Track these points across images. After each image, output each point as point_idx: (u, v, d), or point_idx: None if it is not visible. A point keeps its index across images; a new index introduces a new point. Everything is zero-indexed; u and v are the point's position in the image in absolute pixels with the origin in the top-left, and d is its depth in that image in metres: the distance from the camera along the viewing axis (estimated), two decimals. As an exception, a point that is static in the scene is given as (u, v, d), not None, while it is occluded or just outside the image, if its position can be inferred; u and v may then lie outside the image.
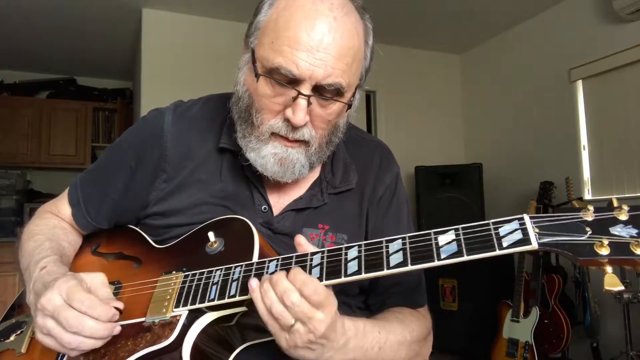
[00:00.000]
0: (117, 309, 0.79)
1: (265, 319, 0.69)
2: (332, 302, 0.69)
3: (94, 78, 5.29)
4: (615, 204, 0.64)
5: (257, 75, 0.82)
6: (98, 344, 0.75)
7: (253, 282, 0.71)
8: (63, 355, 0.83)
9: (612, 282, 0.61)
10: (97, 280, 0.81)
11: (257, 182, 0.94)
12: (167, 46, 3.87)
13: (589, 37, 3.56)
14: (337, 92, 0.82)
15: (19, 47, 4.44)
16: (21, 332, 0.94)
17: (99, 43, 4.42)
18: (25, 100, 4.84)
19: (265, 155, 0.86)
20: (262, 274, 0.73)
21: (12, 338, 0.94)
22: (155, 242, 0.94)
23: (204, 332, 0.75)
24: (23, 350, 0.90)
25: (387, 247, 0.70)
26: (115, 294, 0.86)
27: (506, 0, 3.76)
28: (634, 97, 3.29)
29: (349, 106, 0.87)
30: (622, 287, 0.61)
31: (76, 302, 0.73)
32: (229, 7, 3.80)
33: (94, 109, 5.09)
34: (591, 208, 0.64)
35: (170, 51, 3.87)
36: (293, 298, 0.66)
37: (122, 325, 0.78)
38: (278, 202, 0.95)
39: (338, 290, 0.73)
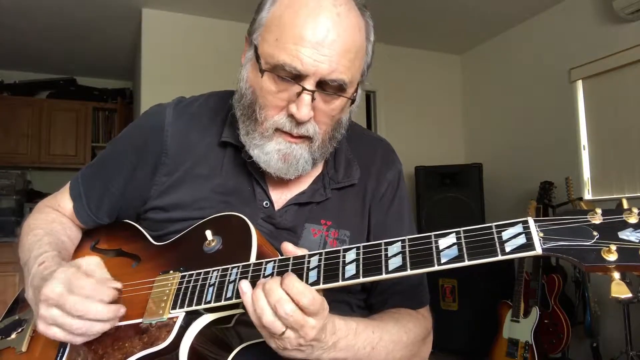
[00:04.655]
0: (117, 289, 0.80)
1: (256, 324, 0.69)
2: (325, 307, 0.69)
3: (94, 78, 5.28)
4: (626, 205, 0.60)
5: (261, 72, 0.82)
6: (106, 326, 0.76)
7: (244, 286, 0.70)
8: (63, 354, 0.83)
9: (619, 290, 0.58)
10: (93, 263, 0.82)
11: (259, 178, 0.94)
12: (167, 46, 3.87)
13: (589, 37, 3.55)
14: (340, 87, 0.83)
15: (19, 47, 4.44)
16: (22, 330, 0.94)
17: (99, 43, 4.41)
18: (25, 100, 4.83)
19: (269, 152, 0.86)
20: (258, 275, 0.73)
21: (13, 336, 0.94)
22: (155, 237, 0.94)
23: (201, 333, 0.74)
24: (24, 349, 0.90)
25: (386, 250, 0.69)
26: None
27: (506, 0, 3.76)
28: (634, 97, 3.28)
29: (352, 101, 0.87)
30: (629, 295, 0.58)
31: (77, 288, 0.74)
32: (229, 7, 3.79)
33: (94, 109, 5.09)
34: (599, 211, 0.60)
35: (170, 51, 3.86)
36: (287, 309, 0.65)
37: (119, 327, 0.78)
38: (280, 198, 0.95)
39: (340, 288, 0.72)
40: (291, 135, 0.85)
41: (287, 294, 0.66)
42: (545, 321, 3.08)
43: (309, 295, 0.66)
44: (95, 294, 0.75)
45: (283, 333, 0.67)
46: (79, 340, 0.76)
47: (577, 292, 3.24)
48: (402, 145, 4.04)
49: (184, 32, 3.92)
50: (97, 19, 3.91)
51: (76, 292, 0.74)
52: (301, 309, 0.66)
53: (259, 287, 0.69)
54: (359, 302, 0.99)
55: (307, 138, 0.86)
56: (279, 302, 0.66)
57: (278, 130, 0.85)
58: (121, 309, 0.78)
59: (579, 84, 3.67)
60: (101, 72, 5.18)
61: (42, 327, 0.76)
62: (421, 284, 1.00)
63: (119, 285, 0.81)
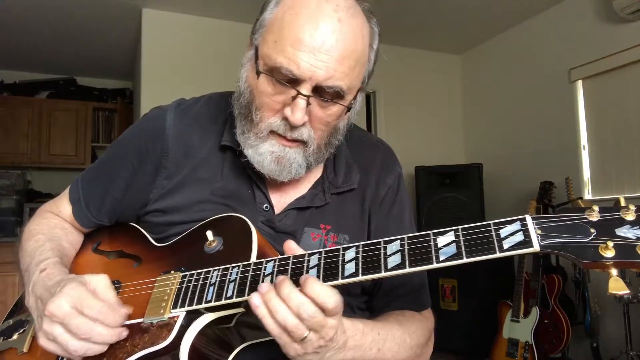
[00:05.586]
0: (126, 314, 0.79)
1: (276, 334, 0.67)
2: (342, 305, 0.68)
3: (94, 78, 5.29)
4: (623, 203, 0.61)
5: (258, 73, 0.82)
6: (104, 348, 0.75)
7: (255, 299, 0.67)
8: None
9: (617, 286, 0.59)
10: (102, 283, 0.79)
11: (259, 181, 0.93)
12: (167, 46, 3.87)
13: (589, 37, 3.55)
14: (337, 94, 0.82)
15: (19, 47, 4.44)
16: (23, 330, 0.94)
17: (99, 43, 4.41)
18: (25, 100, 4.84)
19: (263, 153, 0.86)
20: (259, 274, 0.73)
21: (14, 337, 0.94)
22: (155, 239, 0.94)
23: (202, 333, 0.74)
24: (25, 349, 0.90)
25: (385, 248, 0.69)
26: None
27: (506, 0, 3.76)
28: (634, 97, 3.28)
29: (349, 109, 0.87)
30: (627, 291, 0.59)
31: (87, 309, 0.73)
32: (229, 7, 3.79)
33: (94, 109, 5.10)
34: (596, 208, 0.61)
35: (170, 51, 3.86)
36: (310, 311, 0.65)
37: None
38: (280, 202, 0.95)
39: (339, 289, 0.72)
40: (285, 139, 0.85)
41: (312, 298, 0.65)
42: (545, 321, 3.08)
43: (334, 297, 0.65)
44: (104, 318, 0.74)
45: (306, 337, 0.66)
46: (77, 359, 0.75)
47: (577, 292, 3.24)
48: (402, 145, 4.08)
49: (184, 32, 3.92)
50: (97, 19, 3.91)
51: (85, 313, 0.73)
52: (328, 312, 0.65)
53: (272, 293, 0.67)
54: (360, 304, 0.99)
55: (302, 142, 0.85)
56: (302, 306, 0.65)
57: (272, 132, 0.85)
58: (123, 332, 0.76)
59: (579, 84, 3.67)
60: (101, 72, 5.18)
61: (42, 341, 0.76)
62: (423, 287, 1.00)
63: (129, 310, 0.80)
